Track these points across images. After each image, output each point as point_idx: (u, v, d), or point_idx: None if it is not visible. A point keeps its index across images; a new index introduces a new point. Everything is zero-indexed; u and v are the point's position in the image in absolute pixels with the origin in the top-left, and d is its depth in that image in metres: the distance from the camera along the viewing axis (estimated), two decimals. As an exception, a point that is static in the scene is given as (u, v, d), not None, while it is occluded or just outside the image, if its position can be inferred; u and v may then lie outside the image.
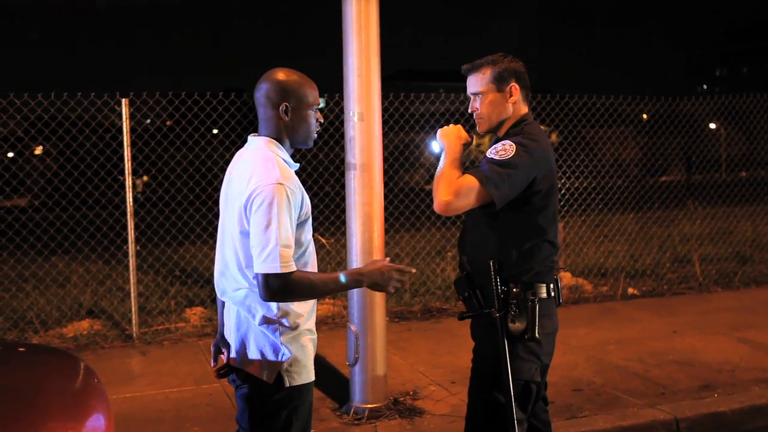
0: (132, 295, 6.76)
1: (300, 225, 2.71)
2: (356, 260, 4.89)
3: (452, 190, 2.95)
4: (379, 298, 4.95)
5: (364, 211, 4.86)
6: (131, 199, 6.71)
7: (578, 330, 7.00)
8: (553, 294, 3.13)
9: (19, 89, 6.62)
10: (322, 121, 2.89)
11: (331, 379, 5.58)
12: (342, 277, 2.66)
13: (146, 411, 5.10)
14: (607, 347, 6.41)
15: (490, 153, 3.01)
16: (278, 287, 2.56)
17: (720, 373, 5.68)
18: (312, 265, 2.85)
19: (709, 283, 8.85)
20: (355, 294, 4.94)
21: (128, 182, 6.66)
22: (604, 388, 5.41)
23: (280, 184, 2.59)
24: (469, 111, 3.24)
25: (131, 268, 6.79)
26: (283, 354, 2.72)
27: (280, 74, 2.78)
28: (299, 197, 2.67)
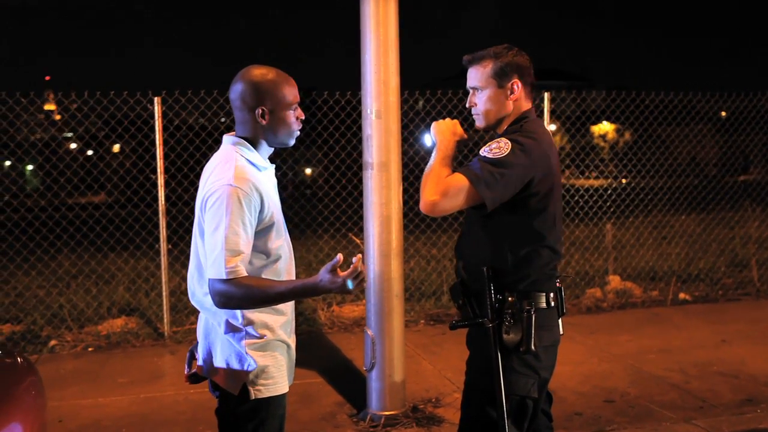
0: (163, 293, 6.75)
1: (263, 232, 2.56)
2: (373, 262, 4.73)
3: (440, 189, 2.74)
4: (397, 302, 4.79)
5: (382, 212, 4.70)
6: (163, 198, 6.70)
7: (620, 337, 6.70)
8: (553, 304, 2.90)
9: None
10: (303, 117, 2.72)
11: (353, 383, 5.44)
12: (291, 287, 2.48)
13: (163, 412, 5.05)
14: (648, 356, 6.09)
15: (483, 151, 2.80)
16: (221, 294, 2.44)
17: (767, 386, 5.33)
18: (286, 277, 2.71)
19: (767, 289, 8.40)
20: (372, 297, 4.79)
21: (160, 181, 6.66)
22: (638, 400, 5.13)
23: (231, 185, 2.45)
24: (467, 106, 3.03)
25: (163, 266, 6.78)
26: (249, 364, 2.58)
27: (255, 75, 2.60)
28: (256, 201, 2.50)
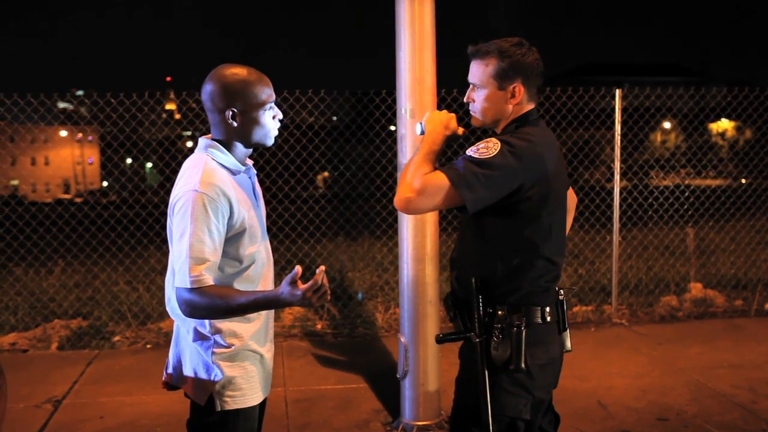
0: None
1: (234, 238, 2.46)
2: (406, 267, 4.58)
3: (417, 186, 2.53)
4: (431, 308, 4.62)
5: (416, 216, 4.53)
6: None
7: (690, 349, 6.28)
8: (549, 318, 2.68)
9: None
10: (281, 117, 2.62)
11: (394, 390, 5.28)
12: (253, 298, 2.36)
13: (201, 413, 5.05)
14: (717, 371, 5.67)
15: (470, 150, 2.58)
16: (187, 303, 2.35)
17: (844, 409, 4.86)
18: (262, 284, 2.61)
19: None
20: (405, 303, 4.64)
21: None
22: (695, 419, 4.76)
23: (196, 191, 2.36)
24: (465, 100, 2.82)
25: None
26: (216, 374, 2.50)
27: (225, 74, 2.49)
28: (224, 207, 2.40)
